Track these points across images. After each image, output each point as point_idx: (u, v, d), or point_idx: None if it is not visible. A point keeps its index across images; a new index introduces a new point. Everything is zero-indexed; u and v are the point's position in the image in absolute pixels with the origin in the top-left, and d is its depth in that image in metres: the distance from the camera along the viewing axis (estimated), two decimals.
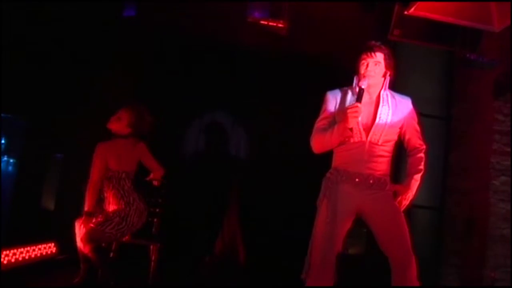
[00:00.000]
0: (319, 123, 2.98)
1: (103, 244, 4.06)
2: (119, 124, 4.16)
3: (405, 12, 3.94)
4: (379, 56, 2.90)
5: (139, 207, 4.09)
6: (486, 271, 4.63)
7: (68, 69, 5.20)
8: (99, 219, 3.99)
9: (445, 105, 5.60)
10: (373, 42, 2.95)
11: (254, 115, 5.82)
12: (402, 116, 2.97)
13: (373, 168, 2.90)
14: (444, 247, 5.33)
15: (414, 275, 2.81)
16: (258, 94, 5.66)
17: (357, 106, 2.77)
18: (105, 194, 4.13)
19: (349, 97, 2.95)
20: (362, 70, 2.90)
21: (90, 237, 3.83)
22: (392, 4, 4.12)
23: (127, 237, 4.08)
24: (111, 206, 4.08)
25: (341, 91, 3.01)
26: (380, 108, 2.92)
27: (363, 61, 2.91)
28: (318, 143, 2.94)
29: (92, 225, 3.92)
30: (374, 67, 2.90)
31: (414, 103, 3.05)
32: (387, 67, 2.94)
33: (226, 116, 5.95)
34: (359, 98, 2.81)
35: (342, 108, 2.91)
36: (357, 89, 2.87)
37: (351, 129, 2.81)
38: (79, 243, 3.87)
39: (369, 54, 2.90)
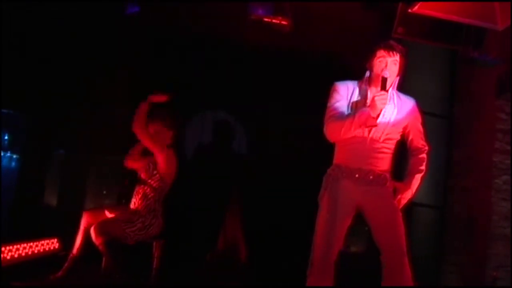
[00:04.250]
0: (334, 111, 2.93)
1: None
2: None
3: (409, 10, 3.93)
4: (398, 56, 2.91)
5: (161, 222, 4.17)
6: (488, 270, 4.63)
7: (70, 66, 5.20)
8: (122, 216, 4.02)
9: (448, 103, 5.60)
10: (392, 41, 2.97)
11: (256, 113, 5.81)
12: (407, 116, 2.98)
13: (373, 164, 2.91)
14: (445, 246, 5.33)
15: (407, 276, 2.81)
16: (260, 92, 5.66)
17: (384, 94, 2.78)
18: (136, 200, 4.16)
19: (360, 91, 2.95)
20: (381, 67, 2.89)
21: (102, 229, 3.84)
22: (395, 3, 4.12)
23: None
24: (136, 211, 4.12)
25: (351, 82, 3.01)
26: (386, 106, 2.93)
27: (381, 59, 2.90)
28: (335, 130, 2.90)
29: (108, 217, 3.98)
30: (393, 67, 2.90)
31: (419, 103, 3.06)
32: (401, 67, 2.94)
33: (228, 114, 5.94)
34: (383, 86, 2.82)
35: (358, 98, 2.92)
36: (380, 80, 2.85)
37: (374, 118, 2.82)
38: (91, 233, 3.86)
39: (390, 53, 2.90)
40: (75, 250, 4.01)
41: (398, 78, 2.97)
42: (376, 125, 2.87)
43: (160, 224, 4.15)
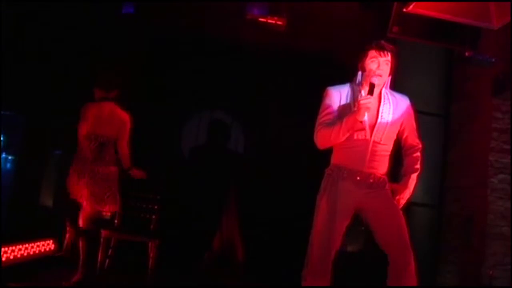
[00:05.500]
0: (324, 118, 2.93)
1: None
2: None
3: (404, 10, 3.92)
4: (389, 56, 2.89)
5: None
6: (485, 269, 4.63)
7: (67, 66, 5.20)
8: None
9: (444, 102, 5.59)
10: (384, 41, 2.94)
11: (253, 112, 5.82)
12: (402, 114, 2.97)
13: (374, 167, 2.90)
14: (442, 245, 5.34)
15: (413, 272, 2.81)
16: (257, 91, 5.66)
17: (369, 98, 2.77)
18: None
19: (353, 92, 2.94)
20: (373, 67, 2.88)
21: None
22: (390, 2, 4.11)
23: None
24: None
25: (343, 86, 2.99)
26: (382, 106, 2.92)
27: (373, 59, 2.88)
28: (325, 138, 2.89)
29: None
30: (385, 67, 2.89)
31: (412, 101, 3.05)
32: (393, 65, 2.93)
33: (225, 113, 5.95)
34: (370, 91, 2.80)
35: (350, 102, 2.90)
36: (368, 84, 2.83)
37: (361, 122, 2.81)
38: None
39: (381, 53, 2.88)
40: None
41: (390, 77, 2.96)
42: (364, 129, 2.86)
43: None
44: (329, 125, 2.88)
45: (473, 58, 4.33)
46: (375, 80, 2.84)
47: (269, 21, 4.49)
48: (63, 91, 5.17)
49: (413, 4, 3.83)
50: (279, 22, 4.48)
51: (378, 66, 2.88)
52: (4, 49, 4.59)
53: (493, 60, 4.39)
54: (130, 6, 4.91)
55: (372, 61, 2.89)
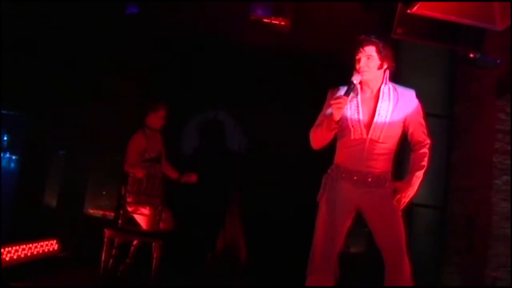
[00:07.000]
0: (319, 119, 2.97)
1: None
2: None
3: (408, 11, 3.92)
4: (370, 50, 2.82)
5: None
6: (488, 270, 4.62)
7: (71, 66, 5.21)
8: None
9: (447, 103, 5.59)
10: (363, 36, 2.86)
11: (256, 113, 5.82)
12: (405, 109, 2.89)
13: (372, 166, 2.86)
14: (445, 246, 5.33)
15: (407, 275, 2.79)
16: (260, 92, 5.66)
17: (341, 97, 2.74)
18: None
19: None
20: (357, 65, 2.85)
21: None
22: (393, 3, 4.11)
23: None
24: None
25: (342, 88, 2.95)
26: (380, 103, 2.86)
27: (356, 57, 2.85)
28: (313, 137, 2.94)
29: None
30: (367, 62, 2.82)
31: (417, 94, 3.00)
32: (382, 59, 2.85)
33: (228, 114, 5.95)
34: (347, 91, 2.78)
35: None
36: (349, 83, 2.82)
37: (337, 122, 2.78)
38: None
39: (359, 49, 2.84)
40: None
41: (387, 71, 2.90)
42: (336, 128, 2.83)
43: None
44: (318, 125, 2.92)
45: (477, 59, 4.31)
46: (356, 79, 2.81)
47: (273, 21, 4.49)
48: (67, 91, 5.18)
49: (417, 5, 3.82)
50: (283, 23, 4.48)
51: (359, 62, 2.84)
52: (7, 49, 4.59)
53: (498, 61, 4.38)
54: (134, 6, 4.92)
55: (356, 59, 2.86)
